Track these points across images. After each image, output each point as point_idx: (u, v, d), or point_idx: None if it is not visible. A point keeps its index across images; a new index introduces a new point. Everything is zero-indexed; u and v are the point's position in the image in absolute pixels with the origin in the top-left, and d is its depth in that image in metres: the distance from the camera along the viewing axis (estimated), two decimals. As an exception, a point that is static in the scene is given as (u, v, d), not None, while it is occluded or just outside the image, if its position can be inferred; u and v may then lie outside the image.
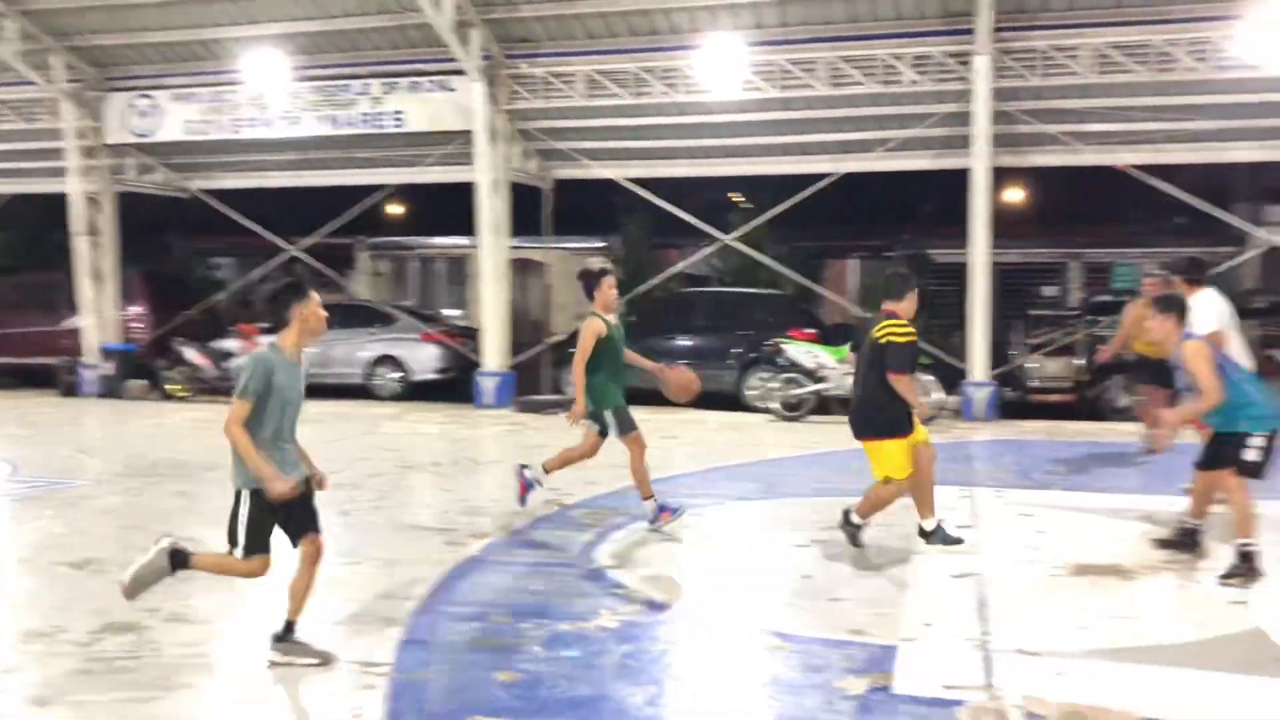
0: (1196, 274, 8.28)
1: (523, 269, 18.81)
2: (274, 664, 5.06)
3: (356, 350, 17.15)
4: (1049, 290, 22.78)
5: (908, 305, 7.04)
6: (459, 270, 21.95)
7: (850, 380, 13.37)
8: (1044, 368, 15.87)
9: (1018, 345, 16.90)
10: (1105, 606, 5.91)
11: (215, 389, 16.22)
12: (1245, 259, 17.74)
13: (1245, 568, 6.31)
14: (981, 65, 13.77)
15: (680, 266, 18.08)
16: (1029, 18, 13.99)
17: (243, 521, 5.00)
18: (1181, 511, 7.12)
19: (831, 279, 23.35)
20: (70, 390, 17.67)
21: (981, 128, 13.95)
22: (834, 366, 13.75)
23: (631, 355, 7.94)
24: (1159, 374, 10.98)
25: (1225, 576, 6.34)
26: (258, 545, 5.02)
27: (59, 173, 17.94)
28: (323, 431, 11.54)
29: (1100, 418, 14.03)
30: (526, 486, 8.02)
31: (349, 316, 16.86)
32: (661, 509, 7.69)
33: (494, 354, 15.96)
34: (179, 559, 5.12)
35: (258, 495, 4.94)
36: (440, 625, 5.70)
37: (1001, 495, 9.01)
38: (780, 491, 9.31)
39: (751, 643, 5.46)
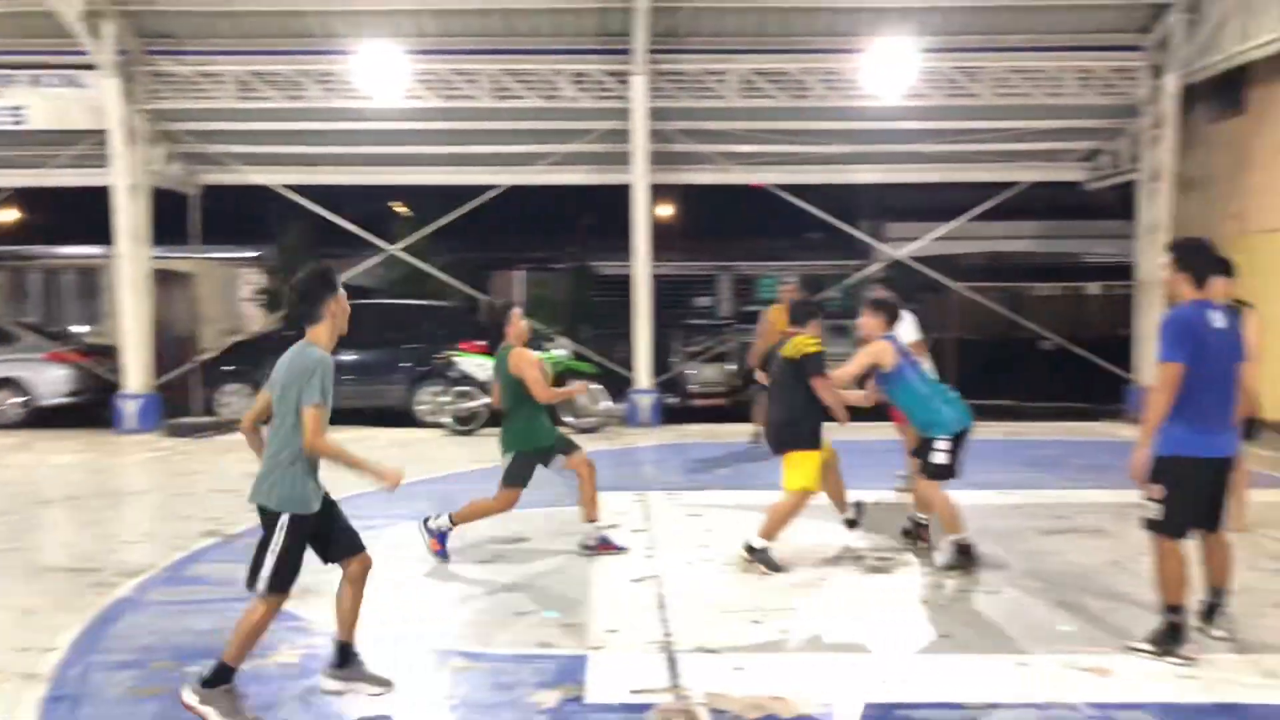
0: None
1: (167, 280, 17.47)
2: (331, 693, 4.76)
3: (-34, 373, 15.24)
4: (703, 300, 24.09)
5: (812, 329, 7.18)
6: (91, 282, 20.07)
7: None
8: (701, 374, 16.75)
9: (677, 353, 17.70)
10: (774, 600, 6.27)
11: None
12: (871, 271, 19.54)
13: (964, 560, 6.87)
14: (638, 85, 14.31)
15: (343, 278, 17.46)
16: (679, 41, 14.70)
17: (274, 551, 4.46)
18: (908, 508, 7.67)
19: (498, 290, 23.43)
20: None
21: (640, 145, 14.49)
22: (506, 378, 13.76)
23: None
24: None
25: (947, 568, 6.90)
26: (285, 582, 4.51)
27: None
28: (-69, 467, 10.13)
29: (753, 419, 14.95)
30: (439, 540, 7.39)
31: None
32: (603, 541, 7.47)
33: (136, 374, 14.69)
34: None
35: (298, 522, 4.46)
36: (91, 676, 5.13)
37: (671, 497, 9.37)
38: (458, 508, 9.15)
39: (439, 665, 5.33)
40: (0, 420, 15.20)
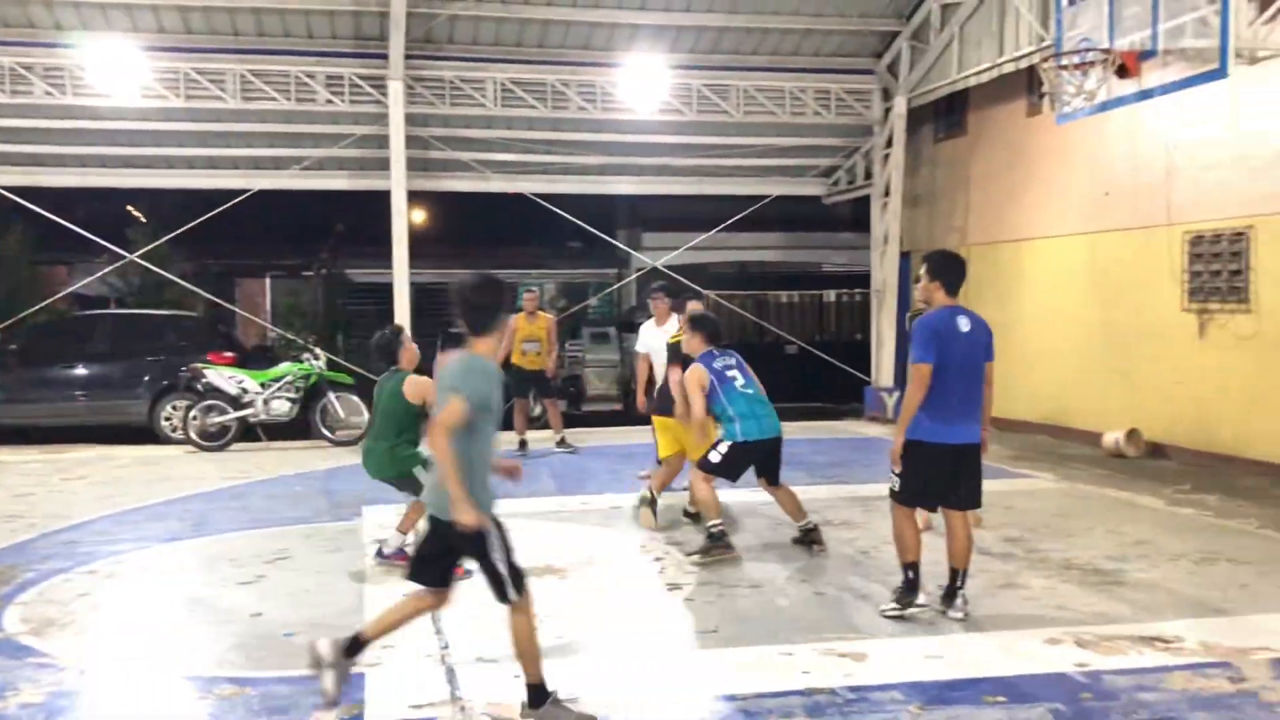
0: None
1: None
2: None
3: None
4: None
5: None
6: None
7: (277, 404, 13.13)
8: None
9: (438, 362, 17.48)
10: (552, 604, 6.33)
11: None
12: (629, 280, 20.00)
13: (712, 545, 7.22)
14: (395, 90, 14.08)
15: (75, 287, 16.28)
16: (436, 48, 14.59)
17: (501, 559, 4.43)
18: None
19: (245, 298, 22.44)
20: None
21: (397, 151, 14.26)
22: (258, 391, 13.21)
23: None
24: (541, 385, 12.54)
25: (695, 553, 7.22)
26: (523, 578, 4.50)
27: None
28: None
29: (508, 426, 14.99)
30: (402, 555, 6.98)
31: None
32: (402, 551, 7.10)
33: None
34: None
35: (498, 524, 4.45)
36: None
37: (439, 509, 9.27)
38: (213, 528, 8.75)
39: (204, 694, 5.08)
40: None
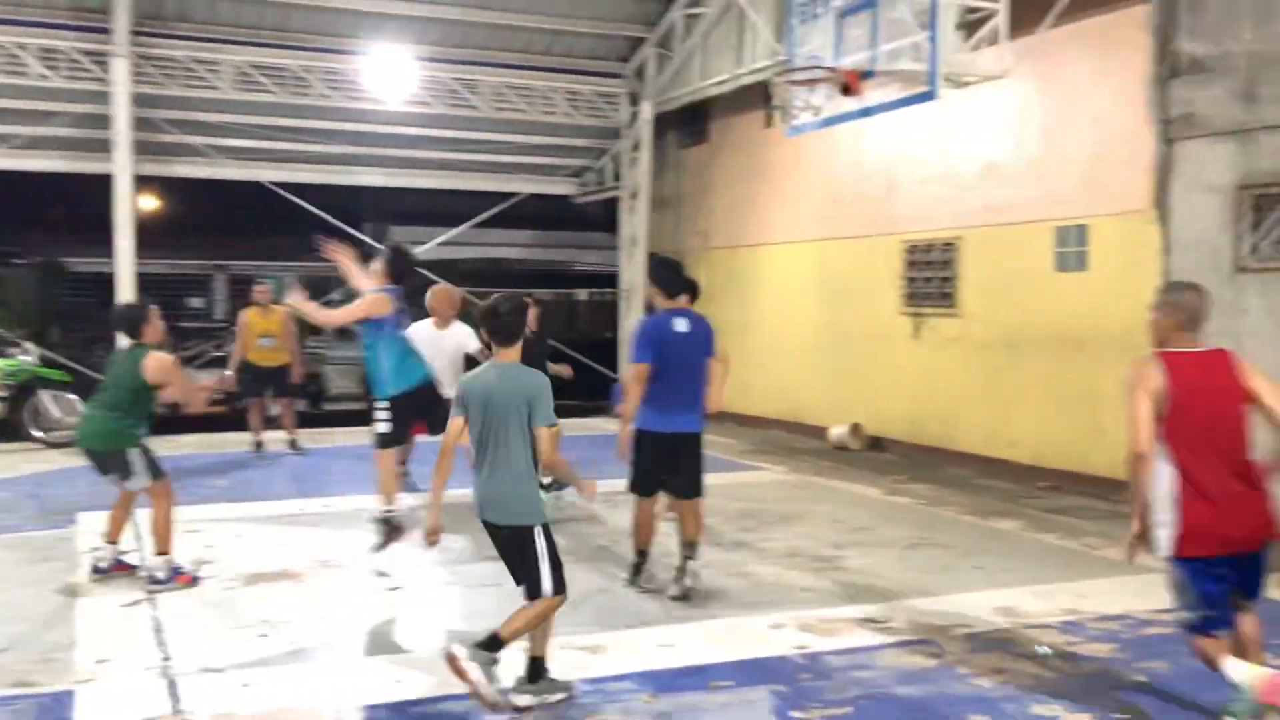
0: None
1: None
2: (525, 709, 4.71)
3: None
4: (196, 302, 22.66)
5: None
6: None
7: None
8: (195, 380, 15.75)
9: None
10: (282, 611, 6.14)
11: None
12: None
13: (389, 531, 7.07)
14: (120, 68, 13.16)
15: None
16: (167, 25, 13.77)
17: (547, 558, 4.77)
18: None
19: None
20: None
21: (122, 133, 13.33)
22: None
23: None
24: (278, 383, 11.99)
25: (377, 547, 7.06)
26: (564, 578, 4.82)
27: None
28: None
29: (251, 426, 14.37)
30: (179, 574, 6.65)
31: None
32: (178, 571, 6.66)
33: None
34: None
35: (548, 528, 4.80)
36: None
37: (165, 514, 8.78)
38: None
39: (-116, 723, 4.63)
40: None
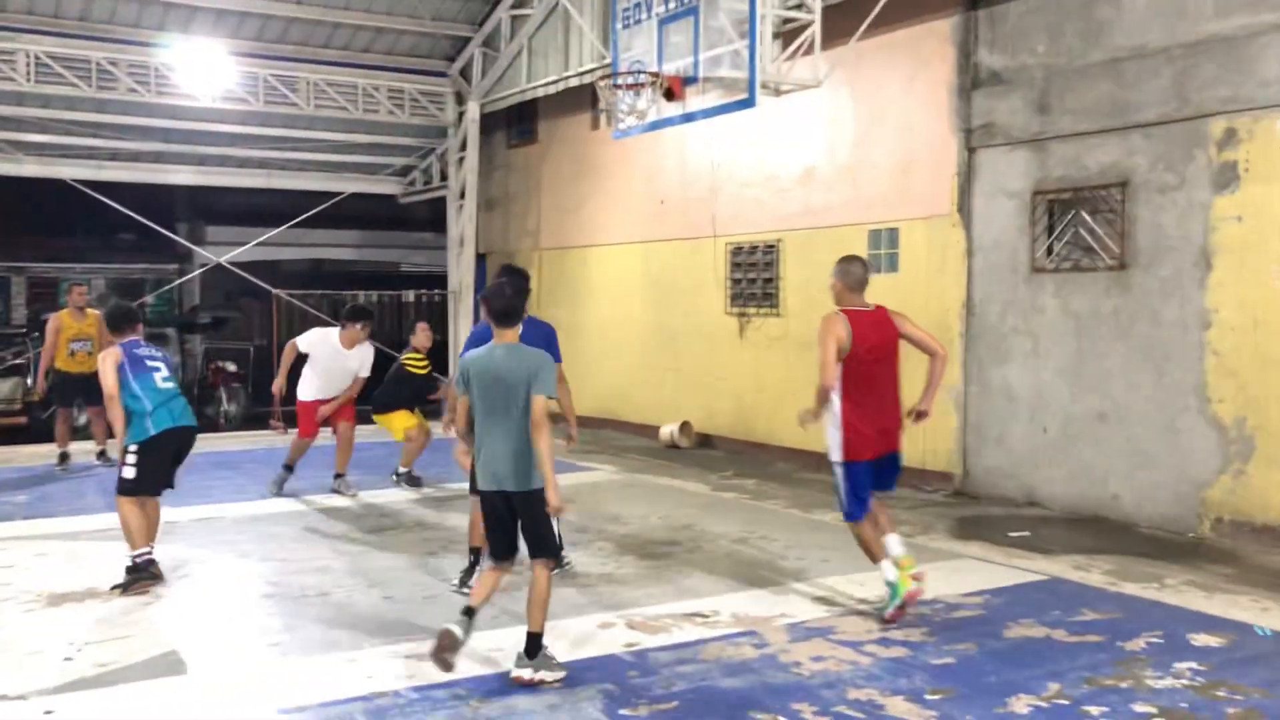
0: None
1: None
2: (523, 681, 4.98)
3: None
4: (-8, 306, 21.27)
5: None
6: None
7: None
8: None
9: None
10: (89, 632, 5.84)
11: None
12: (191, 276, 18.76)
13: (137, 576, 6.65)
14: (-100, 55, 12.27)
15: None
16: (-48, 11, 12.92)
17: (554, 523, 5.23)
18: None
19: None
20: None
21: (-97, 126, 12.44)
22: None
23: None
24: (88, 392, 11.32)
25: (122, 586, 6.59)
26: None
27: None
28: None
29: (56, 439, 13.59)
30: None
31: None
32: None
33: None
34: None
35: (541, 492, 5.08)
36: None
37: (-42, 534, 8.23)
38: None
39: None
40: None
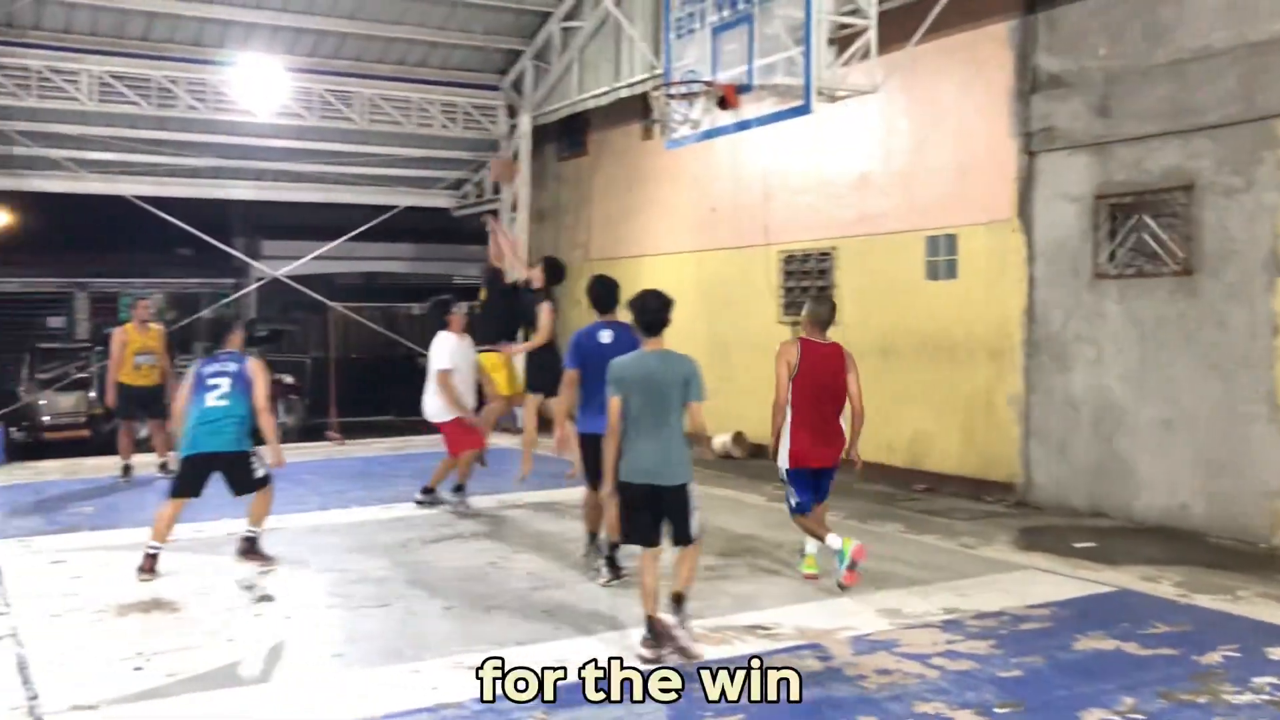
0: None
1: None
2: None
3: None
4: (56, 321, 21.70)
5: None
6: None
7: None
8: (56, 403, 15.12)
9: (26, 381, 15.79)
10: (156, 642, 5.91)
11: None
12: (248, 290, 19.03)
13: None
14: (-30, 77, 12.59)
15: None
16: (19, 34, 13.21)
17: (698, 509, 5.78)
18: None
19: None
20: None
21: (-27, 146, 12.75)
22: None
23: None
24: (151, 405, 11.44)
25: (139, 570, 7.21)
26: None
27: None
28: None
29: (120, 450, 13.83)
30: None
31: None
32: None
33: None
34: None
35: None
36: None
37: (27, 544, 8.38)
38: None
39: None
40: None
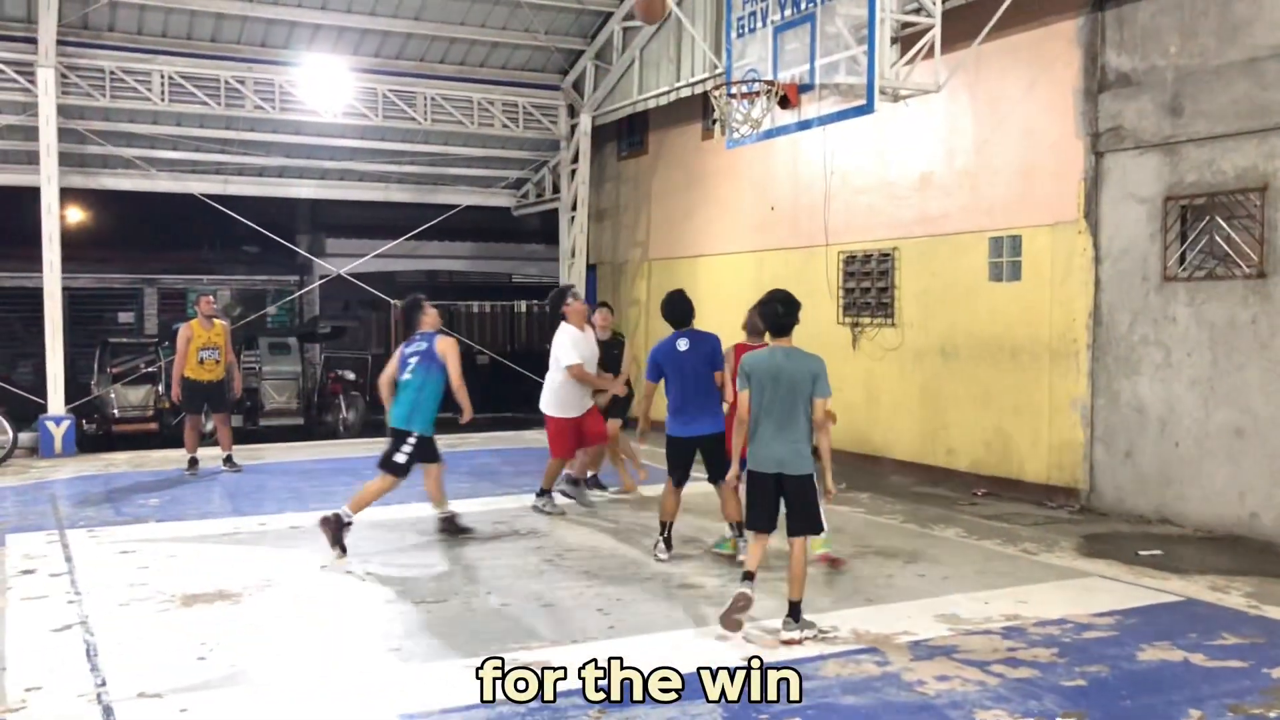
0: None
1: None
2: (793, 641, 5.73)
3: None
4: (126, 316, 22.20)
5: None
6: None
7: None
8: (125, 397, 15.45)
9: (97, 374, 16.17)
10: (220, 633, 6.01)
11: None
12: (311, 288, 19.29)
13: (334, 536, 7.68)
14: (45, 78, 12.89)
15: None
16: (94, 35, 13.53)
17: (821, 500, 6.05)
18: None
19: None
20: None
21: (48, 145, 13.04)
22: None
23: None
24: (216, 399, 11.73)
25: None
26: None
27: None
28: None
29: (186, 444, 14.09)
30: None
31: None
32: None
33: None
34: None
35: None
36: None
37: (95, 535, 8.58)
38: None
39: None
40: None
